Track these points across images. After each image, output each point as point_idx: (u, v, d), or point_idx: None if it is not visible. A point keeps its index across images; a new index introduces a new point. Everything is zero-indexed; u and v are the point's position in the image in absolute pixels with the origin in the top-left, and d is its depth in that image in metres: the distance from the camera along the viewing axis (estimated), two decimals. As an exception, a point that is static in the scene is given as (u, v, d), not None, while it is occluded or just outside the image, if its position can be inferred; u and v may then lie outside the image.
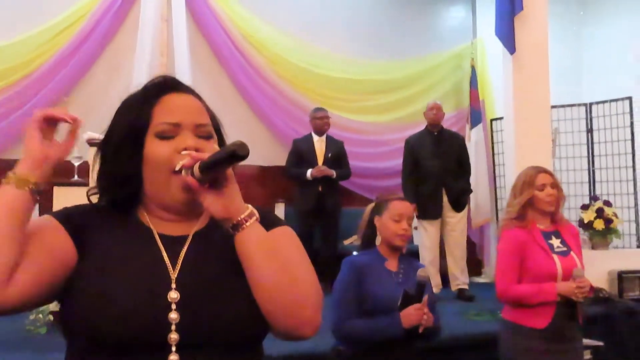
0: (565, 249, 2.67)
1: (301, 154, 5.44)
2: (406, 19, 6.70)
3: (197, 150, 1.05)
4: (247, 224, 1.04)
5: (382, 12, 6.62)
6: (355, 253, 2.60)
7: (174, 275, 1.06)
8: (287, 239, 1.14)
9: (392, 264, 2.50)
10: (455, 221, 5.23)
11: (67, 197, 4.04)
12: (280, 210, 5.78)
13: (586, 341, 2.90)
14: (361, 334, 2.34)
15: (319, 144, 5.47)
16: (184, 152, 1.05)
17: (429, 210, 5.15)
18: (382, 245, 2.53)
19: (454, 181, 5.20)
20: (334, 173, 5.33)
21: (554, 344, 2.56)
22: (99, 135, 3.54)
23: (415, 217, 5.21)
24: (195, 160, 1.02)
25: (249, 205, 1.06)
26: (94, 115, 5.33)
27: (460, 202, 5.23)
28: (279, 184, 5.74)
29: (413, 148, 5.28)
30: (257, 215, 1.06)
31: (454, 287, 5.24)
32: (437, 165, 5.15)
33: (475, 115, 6.48)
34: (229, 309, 1.03)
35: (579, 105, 6.26)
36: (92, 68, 5.61)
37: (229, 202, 1.03)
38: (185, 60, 5.62)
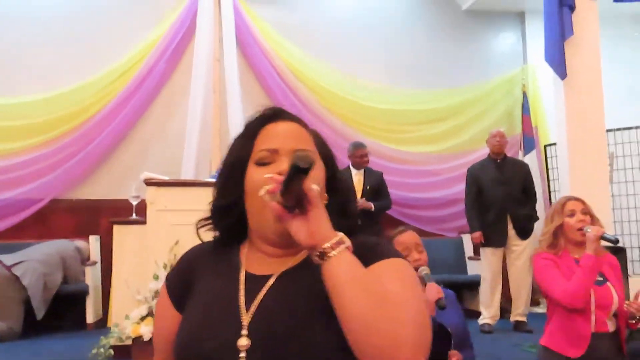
0: (600, 279, 2.58)
1: None
2: (454, 47, 6.71)
3: None
4: (335, 252, 0.94)
5: (428, 40, 6.66)
6: None
7: (246, 320, 1.01)
8: (391, 272, 1.01)
9: None
10: (521, 249, 5.11)
11: (125, 235, 4.19)
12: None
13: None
14: None
15: (357, 177, 5.44)
16: (266, 176, 1.00)
17: (492, 238, 5.08)
18: None
19: (519, 208, 5.10)
20: (372, 206, 5.27)
21: None
22: (156, 175, 3.68)
23: (480, 244, 5.15)
24: (278, 185, 0.95)
25: (339, 233, 0.96)
26: (151, 155, 5.59)
27: (526, 229, 5.12)
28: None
29: (476, 176, 5.23)
30: (348, 243, 0.96)
31: (513, 317, 5.12)
32: (501, 193, 5.08)
33: (529, 142, 6.38)
34: (303, 357, 0.96)
35: (637, 127, 6.06)
36: (149, 109, 5.86)
37: (314, 227, 0.94)
38: (236, 97, 5.80)
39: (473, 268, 5.92)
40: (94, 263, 5.26)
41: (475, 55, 6.81)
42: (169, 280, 1.18)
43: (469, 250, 6.01)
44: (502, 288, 5.21)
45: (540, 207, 6.18)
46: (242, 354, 0.98)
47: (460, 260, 6.09)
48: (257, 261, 1.10)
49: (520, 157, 6.42)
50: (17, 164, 5.47)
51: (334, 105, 6.21)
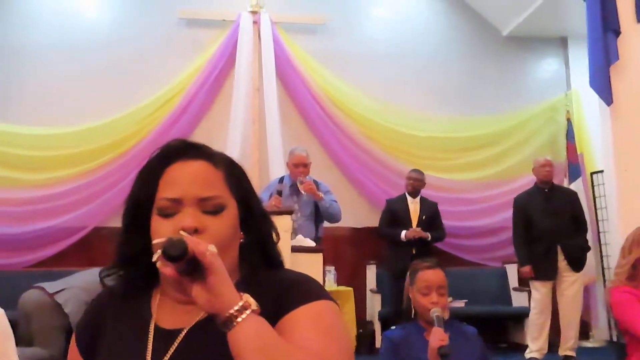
0: None
1: (395, 214, 5.41)
2: (495, 73, 6.62)
3: (196, 229, 0.95)
4: (238, 319, 0.86)
5: (468, 67, 6.58)
6: (393, 327, 2.48)
7: None
8: (310, 322, 0.94)
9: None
10: (572, 280, 4.93)
11: (166, 264, 4.20)
12: (371, 271, 5.73)
13: None
14: None
15: (413, 206, 5.43)
16: (155, 242, 0.92)
17: (542, 271, 4.90)
18: (419, 317, 2.36)
19: (570, 239, 4.92)
20: (429, 236, 5.24)
21: None
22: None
23: (530, 279, 4.98)
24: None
25: (244, 296, 0.88)
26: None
27: (579, 260, 4.94)
28: (370, 246, 5.70)
29: (523, 207, 5.08)
30: (254, 306, 0.88)
31: (562, 352, 4.91)
32: (550, 224, 4.90)
33: (574, 169, 6.21)
34: None
35: (689, 154, 5.83)
36: (189, 138, 5.89)
37: (213, 295, 0.86)
38: (276, 126, 5.81)
39: (518, 299, 5.74)
40: (134, 291, 5.28)
41: (517, 82, 6.70)
42: (78, 328, 1.11)
43: (513, 281, 5.84)
44: (551, 321, 5.02)
45: (587, 236, 6.00)
46: None
47: (504, 291, 5.91)
48: (169, 311, 1.02)
49: (565, 185, 6.25)
50: (61, 192, 5.58)
51: (374, 133, 6.17)
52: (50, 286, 4.78)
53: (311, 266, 3.68)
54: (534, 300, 4.98)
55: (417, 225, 5.29)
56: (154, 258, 0.87)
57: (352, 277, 5.51)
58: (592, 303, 6.08)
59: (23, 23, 5.85)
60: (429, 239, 5.25)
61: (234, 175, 1.05)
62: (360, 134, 6.13)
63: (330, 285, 4.91)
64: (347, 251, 5.75)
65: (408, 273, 2.48)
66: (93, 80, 5.84)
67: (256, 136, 5.84)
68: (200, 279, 0.86)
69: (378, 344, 5.43)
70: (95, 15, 6.07)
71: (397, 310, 5.25)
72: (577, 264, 4.93)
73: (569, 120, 6.39)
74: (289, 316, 0.95)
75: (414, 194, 5.46)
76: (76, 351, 1.07)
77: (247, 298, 0.88)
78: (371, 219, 5.79)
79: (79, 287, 4.85)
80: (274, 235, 1.10)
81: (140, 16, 6.05)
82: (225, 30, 6.06)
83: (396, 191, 5.65)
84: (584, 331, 6.00)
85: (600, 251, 6.06)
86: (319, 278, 3.80)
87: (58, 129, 5.67)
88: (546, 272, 4.90)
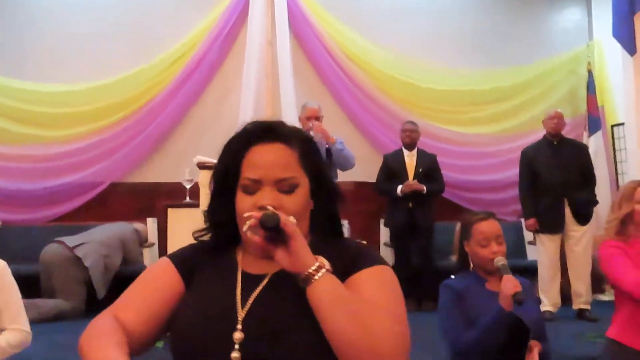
0: None
1: (391, 169, 5.38)
2: (514, 24, 6.43)
3: (274, 207, 1.11)
4: (316, 277, 1.07)
5: (488, 18, 6.39)
6: (452, 277, 2.48)
7: (241, 315, 1.11)
8: (371, 281, 1.13)
9: (494, 284, 2.33)
10: (580, 235, 4.88)
11: (180, 218, 4.26)
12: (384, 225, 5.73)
13: None
14: (477, 340, 2.19)
15: (410, 159, 5.38)
16: (246, 215, 1.11)
17: (549, 224, 4.86)
18: (477, 268, 2.38)
19: (577, 193, 4.86)
20: (424, 188, 5.20)
21: None
22: (209, 159, 3.72)
23: (534, 231, 4.96)
24: (257, 220, 1.08)
25: (319, 258, 1.09)
26: (205, 139, 5.64)
27: (585, 214, 4.88)
28: (383, 200, 5.67)
29: (531, 159, 5.00)
30: (328, 266, 1.09)
31: (575, 306, 4.91)
32: (558, 177, 4.83)
33: (594, 122, 6.08)
34: (293, 352, 1.05)
35: None
36: (203, 94, 5.91)
37: (295, 256, 1.07)
38: (289, 80, 5.75)
39: (533, 253, 5.71)
40: (152, 245, 5.39)
41: (538, 33, 6.50)
42: (176, 257, 1.25)
43: (529, 234, 5.81)
44: (563, 275, 5.00)
45: (605, 190, 5.91)
46: (236, 346, 1.07)
47: (519, 244, 5.89)
48: (253, 261, 1.19)
49: (585, 138, 6.14)
50: (78, 149, 5.64)
51: (388, 86, 6.07)
52: (70, 240, 4.90)
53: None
54: (541, 254, 4.97)
55: (414, 178, 5.25)
56: (245, 228, 1.10)
57: (366, 231, 5.52)
58: (609, 257, 6.03)
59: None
60: (424, 191, 5.20)
61: (307, 153, 1.21)
62: (374, 87, 6.04)
63: (344, 239, 4.93)
64: (361, 205, 5.75)
65: (459, 227, 2.47)
66: (107, 37, 5.81)
67: (269, 91, 5.79)
68: (283, 244, 1.08)
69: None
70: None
71: (401, 263, 5.27)
72: (583, 217, 4.87)
73: (590, 72, 6.23)
74: (356, 276, 1.13)
75: (410, 147, 5.40)
76: (175, 274, 1.21)
77: (322, 260, 1.09)
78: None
79: (97, 241, 4.97)
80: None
81: (151, -28, 5.97)
82: (237, -16, 5.97)
83: (412, 145, 5.60)
84: (599, 285, 5.98)
85: (619, 205, 5.97)
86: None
87: (72, 86, 5.69)
88: (553, 225, 4.86)
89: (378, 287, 1.12)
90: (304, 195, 1.18)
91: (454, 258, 2.57)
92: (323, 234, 1.23)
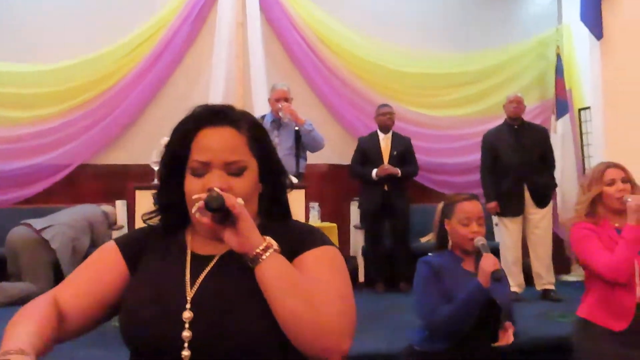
0: None
1: (366, 152, 5.40)
2: (485, 8, 6.43)
3: (222, 189, 1.12)
4: (263, 257, 1.09)
5: (458, 1, 6.40)
6: (430, 254, 2.53)
7: (190, 294, 1.13)
8: (320, 261, 1.16)
9: (469, 265, 2.41)
10: (539, 218, 4.99)
11: (148, 200, 4.20)
12: (355, 208, 5.77)
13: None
14: (452, 315, 2.25)
15: (385, 142, 5.41)
16: (194, 197, 1.13)
17: (509, 207, 4.95)
18: (455, 248, 2.46)
19: (537, 176, 4.95)
20: (398, 172, 5.25)
21: (632, 350, 2.37)
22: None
23: (495, 214, 5.05)
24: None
25: (267, 238, 1.12)
26: (175, 121, 5.55)
27: (544, 197, 4.98)
28: (354, 182, 5.70)
29: (492, 143, 5.08)
30: (275, 246, 1.12)
31: (538, 287, 5.01)
32: (517, 160, 4.93)
33: (562, 106, 6.15)
34: (242, 329, 1.08)
35: (679, 89, 5.77)
36: (172, 75, 5.84)
37: (243, 238, 1.10)
38: (260, 62, 5.72)
39: (499, 235, 5.80)
40: (121, 227, 5.34)
41: (507, 17, 6.53)
42: (122, 241, 1.27)
43: (496, 217, 5.89)
44: (525, 257, 5.09)
45: (572, 173, 6.02)
46: (187, 325, 1.09)
47: (488, 226, 5.96)
48: (202, 243, 1.22)
49: (552, 121, 6.22)
50: (46, 130, 5.54)
51: (359, 69, 6.06)
52: (37, 223, 4.84)
53: (293, 202, 3.70)
54: (504, 236, 5.06)
55: (389, 161, 5.28)
56: (193, 210, 1.12)
57: (336, 213, 5.54)
58: (575, 238, 6.14)
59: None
60: (399, 174, 5.25)
61: (256, 137, 1.22)
62: (345, 70, 6.03)
63: (314, 221, 4.93)
64: (331, 188, 5.78)
65: (441, 205, 2.54)
66: (76, 16, 5.68)
67: (240, 72, 5.75)
68: (231, 225, 1.10)
69: (361, 278, 5.54)
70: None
71: (374, 245, 5.33)
72: (542, 200, 4.97)
73: (558, 56, 6.29)
74: (303, 256, 1.16)
75: (386, 130, 5.43)
76: (119, 256, 1.23)
77: (269, 240, 1.12)
78: (355, 156, 5.77)
79: (65, 223, 4.91)
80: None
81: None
82: (207, -38, 5.88)
83: (381, 128, 5.62)
84: (566, 265, 6.11)
85: (586, 187, 6.08)
86: (302, 214, 3.85)
87: (41, 66, 5.56)
88: (513, 208, 4.95)
89: (325, 266, 1.15)
90: (252, 178, 1.20)
91: (422, 240, 2.63)
92: (271, 217, 1.26)
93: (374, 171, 5.24)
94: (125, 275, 1.21)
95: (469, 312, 2.23)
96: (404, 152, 5.38)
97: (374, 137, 5.47)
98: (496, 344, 2.22)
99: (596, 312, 2.46)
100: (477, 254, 2.34)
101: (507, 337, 2.23)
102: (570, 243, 2.58)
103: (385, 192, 5.24)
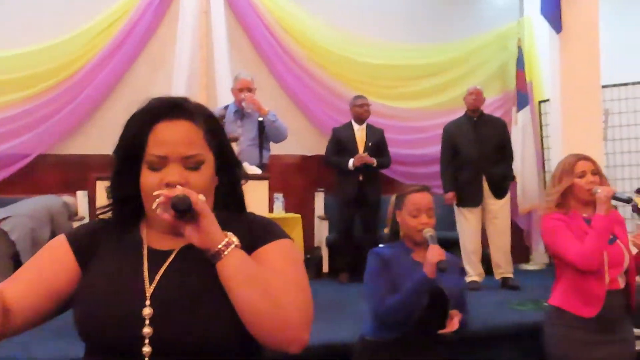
0: (611, 237, 2.55)
1: (341, 142, 5.43)
2: (447, 1, 6.52)
3: (181, 184, 1.13)
4: (225, 253, 1.10)
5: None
6: (381, 245, 2.57)
7: (149, 291, 1.12)
8: (277, 254, 1.18)
9: (419, 255, 2.44)
10: (497, 208, 5.09)
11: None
12: (320, 199, 5.80)
13: (637, 331, 2.77)
14: (399, 304, 2.29)
15: (360, 133, 5.46)
16: (155, 193, 1.11)
17: (468, 198, 5.04)
18: (405, 239, 2.50)
19: (495, 167, 5.05)
20: (375, 161, 5.31)
21: (602, 335, 2.47)
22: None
23: (453, 205, 5.13)
24: (167, 199, 1.09)
25: (228, 234, 1.12)
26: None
27: (501, 188, 5.08)
28: (319, 173, 5.75)
29: (451, 135, 5.17)
30: (236, 243, 1.12)
31: (497, 276, 5.12)
32: (476, 152, 5.02)
33: (522, 98, 6.26)
34: (203, 324, 1.08)
35: (634, 84, 5.94)
36: (135, 63, 5.75)
37: (204, 234, 1.10)
38: (224, 51, 5.67)
39: (459, 225, 5.89)
40: (82, 218, 5.25)
41: (470, 9, 6.63)
42: (72, 235, 1.24)
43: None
44: (485, 247, 5.19)
45: (531, 164, 6.14)
46: (147, 322, 1.09)
47: (451, 217, 6.05)
48: (158, 237, 1.20)
49: (513, 113, 6.33)
50: (3, 119, 5.40)
51: (324, 60, 6.07)
52: (-5, 214, 4.74)
53: (256, 193, 3.70)
54: (463, 226, 5.14)
55: (364, 152, 5.34)
56: (153, 206, 1.10)
57: (300, 204, 5.56)
58: (534, 228, 6.30)
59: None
60: (375, 164, 5.32)
61: (212, 130, 1.22)
62: (310, 60, 6.03)
63: (279, 212, 4.95)
64: (296, 178, 5.80)
65: (394, 197, 2.57)
66: (32, 2, 5.54)
67: (204, 61, 5.68)
68: (192, 221, 1.09)
69: (325, 269, 5.59)
70: None
71: (345, 235, 5.38)
72: (499, 191, 5.07)
73: (520, 48, 6.40)
74: (262, 249, 1.18)
75: (360, 121, 5.47)
76: (69, 252, 1.20)
77: (230, 236, 1.12)
78: (320, 147, 5.80)
79: (25, 214, 4.81)
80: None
81: None
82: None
83: (346, 119, 5.65)
84: (525, 254, 6.26)
85: (544, 179, 6.23)
86: (265, 205, 3.85)
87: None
88: (472, 199, 5.04)
89: (283, 259, 1.17)
90: (209, 172, 1.20)
91: (385, 231, 2.66)
92: (227, 209, 1.26)
93: (351, 161, 5.28)
94: (75, 270, 1.19)
95: (415, 301, 2.27)
96: (378, 143, 5.45)
97: (349, 128, 5.50)
98: (441, 331, 2.28)
99: (567, 299, 2.53)
100: (427, 245, 2.38)
101: (451, 325, 2.28)
102: (541, 233, 2.66)
103: (361, 182, 5.30)
